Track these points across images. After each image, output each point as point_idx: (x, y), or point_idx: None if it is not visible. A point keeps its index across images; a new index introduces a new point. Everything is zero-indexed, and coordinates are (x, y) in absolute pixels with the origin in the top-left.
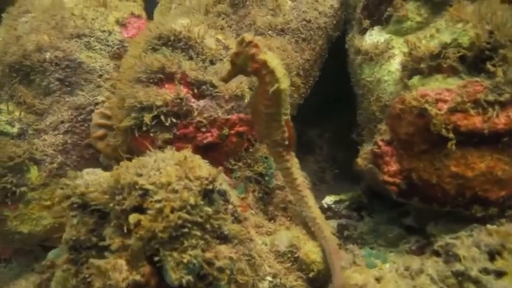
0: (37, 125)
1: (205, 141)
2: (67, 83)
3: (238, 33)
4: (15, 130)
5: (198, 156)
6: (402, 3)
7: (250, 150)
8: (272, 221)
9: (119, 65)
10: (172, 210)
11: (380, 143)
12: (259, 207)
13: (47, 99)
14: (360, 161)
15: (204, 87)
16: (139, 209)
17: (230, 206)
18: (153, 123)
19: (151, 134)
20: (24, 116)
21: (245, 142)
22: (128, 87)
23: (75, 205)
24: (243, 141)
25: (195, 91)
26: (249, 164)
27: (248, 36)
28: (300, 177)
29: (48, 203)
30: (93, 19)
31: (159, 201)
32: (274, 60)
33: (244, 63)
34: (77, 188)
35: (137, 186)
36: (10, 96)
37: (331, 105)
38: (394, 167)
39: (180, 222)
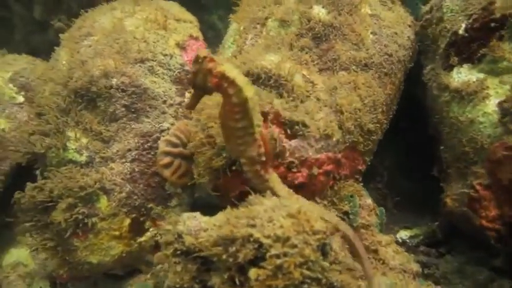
0: (104, 152)
1: (296, 182)
2: (133, 110)
3: (321, 68)
4: (83, 158)
5: (305, 201)
6: (499, 44)
7: (335, 188)
8: None
9: (180, 90)
10: (294, 267)
11: (477, 187)
12: (347, 248)
13: (113, 126)
14: (449, 202)
15: (296, 127)
16: (253, 262)
17: (333, 253)
18: None
19: (244, 174)
20: (90, 144)
21: (331, 180)
22: (217, 126)
23: (179, 252)
24: (329, 180)
25: (288, 131)
26: (333, 202)
27: (203, 52)
28: (284, 192)
29: (117, 233)
30: (154, 42)
31: (277, 256)
32: (232, 70)
33: (204, 80)
34: (182, 236)
35: (252, 239)
36: (76, 123)
37: (390, 131)
38: (493, 212)
39: (301, 278)
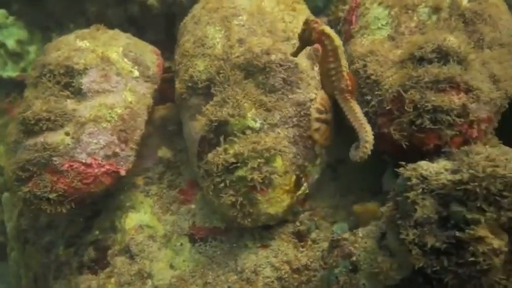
0: (271, 120)
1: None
2: (288, 82)
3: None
4: (257, 125)
5: None
6: None
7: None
8: None
9: (310, 64)
10: None
11: None
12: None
13: (273, 96)
14: None
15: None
16: None
17: None
18: None
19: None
20: (258, 112)
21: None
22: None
23: (426, 191)
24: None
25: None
26: None
27: (311, 17)
28: (361, 112)
29: (287, 187)
30: (290, 22)
31: None
32: (328, 28)
33: (309, 35)
34: (427, 178)
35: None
36: (244, 94)
37: None
38: None
39: None
